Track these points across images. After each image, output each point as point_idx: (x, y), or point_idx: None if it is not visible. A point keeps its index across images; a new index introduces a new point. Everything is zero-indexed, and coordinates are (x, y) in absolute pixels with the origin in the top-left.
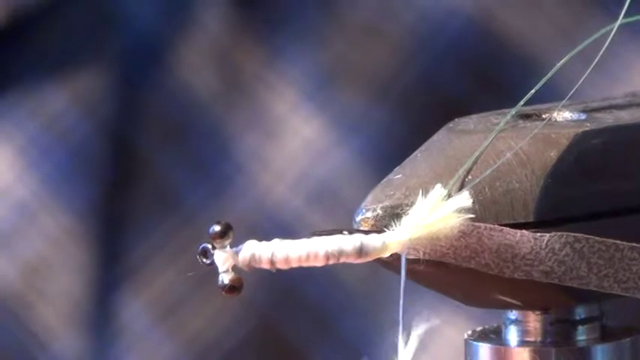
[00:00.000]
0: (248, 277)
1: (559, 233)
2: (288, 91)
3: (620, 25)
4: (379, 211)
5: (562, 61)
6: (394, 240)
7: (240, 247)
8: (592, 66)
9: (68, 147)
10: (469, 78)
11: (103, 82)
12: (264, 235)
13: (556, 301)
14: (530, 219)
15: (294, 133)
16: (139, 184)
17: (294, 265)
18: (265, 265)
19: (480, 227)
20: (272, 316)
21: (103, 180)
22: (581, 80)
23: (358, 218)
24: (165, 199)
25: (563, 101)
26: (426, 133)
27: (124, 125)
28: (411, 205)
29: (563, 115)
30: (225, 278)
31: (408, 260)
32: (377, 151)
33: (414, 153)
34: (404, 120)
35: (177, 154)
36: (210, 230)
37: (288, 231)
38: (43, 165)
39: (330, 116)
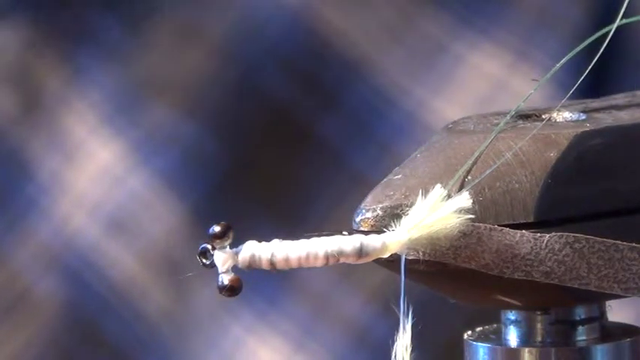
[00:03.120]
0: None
1: (559, 233)
2: (89, 112)
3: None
4: (379, 212)
5: (561, 62)
6: (394, 240)
7: (240, 247)
8: (591, 66)
9: None
10: (292, 81)
11: None
12: (65, 266)
13: (556, 301)
14: (530, 219)
15: (92, 157)
16: None
17: (294, 265)
18: (265, 266)
19: (479, 227)
20: (72, 352)
21: None
22: (580, 80)
23: (358, 219)
24: None
25: (563, 101)
26: (235, 149)
27: None
28: (411, 206)
29: (562, 116)
30: (225, 279)
31: (408, 260)
32: (182, 172)
33: (414, 153)
34: (215, 134)
35: None
36: (210, 231)
37: (85, 262)
38: None
39: (132, 138)
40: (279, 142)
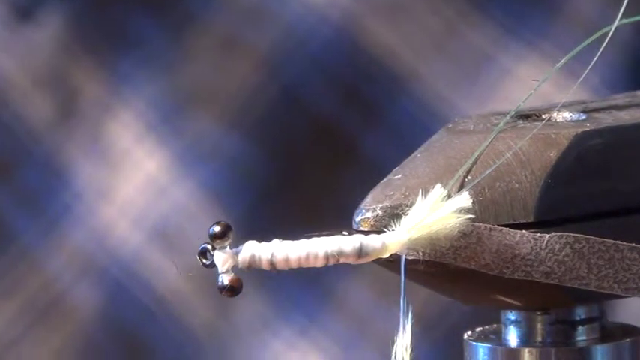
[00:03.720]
0: None
1: (559, 233)
2: (133, 121)
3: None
4: (379, 212)
5: (561, 62)
6: (394, 240)
7: (239, 247)
8: (590, 66)
9: None
10: (336, 95)
11: None
12: (104, 273)
13: (556, 302)
14: (530, 219)
15: (137, 167)
16: None
17: (294, 265)
18: (265, 266)
19: (479, 228)
20: (108, 357)
21: None
22: (579, 80)
23: (358, 219)
24: None
25: (563, 101)
26: (279, 161)
27: None
28: (411, 206)
29: (562, 116)
30: (225, 279)
31: (407, 260)
32: (226, 182)
33: (414, 153)
34: (258, 146)
35: (9, 186)
36: (210, 231)
37: (126, 270)
38: None
39: (177, 148)
40: (321, 156)
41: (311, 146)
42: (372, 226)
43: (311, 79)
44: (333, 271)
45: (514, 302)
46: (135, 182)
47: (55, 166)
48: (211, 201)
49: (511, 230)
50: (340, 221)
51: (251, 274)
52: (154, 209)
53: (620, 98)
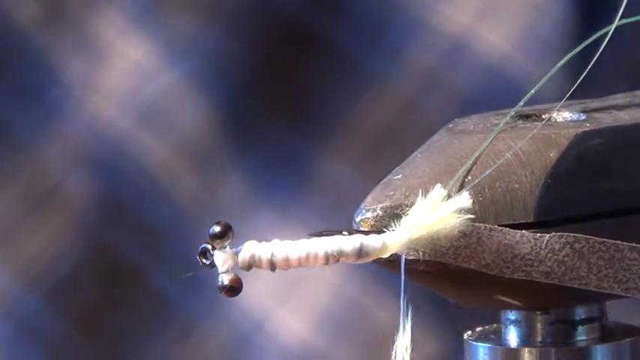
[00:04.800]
0: (81, 202)
1: (559, 233)
2: (116, 15)
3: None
4: (379, 212)
5: (561, 62)
6: (394, 240)
7: (239, 247)
8: (590, 66)
9: None
10: None
11: None
12: (97, 158)
13: (556, 301)
14: (530, 219)
15: (122, 57)
16: None
17: (294, 265)
18: (265, 266)
19: (479, 227)
20: (105, 237)
21: None
22: (579, 80)
23: (358, 219)
24: None
25: (562, 101)
26: (259, 51)
27: None
28: (411, 206)
29: (562, 116)
30: (225, 279)
31: (407, 260)
32: (209, 72)
33: (414, 153)
34: (235, 39)
35: (3, 83)
36: (210, 231)
37: (118, 151)
38: None
39: (160, 40)
40: (292, 48)
41: (282, 40)
42: (372, 226)
43: None
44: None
45: (514, 302)
46: (120, 70)
47: (45, 63)
48: (196, 87)
49: (511, 230)
50: (311, 108)
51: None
52: (140, 94)
53: (620, 98)
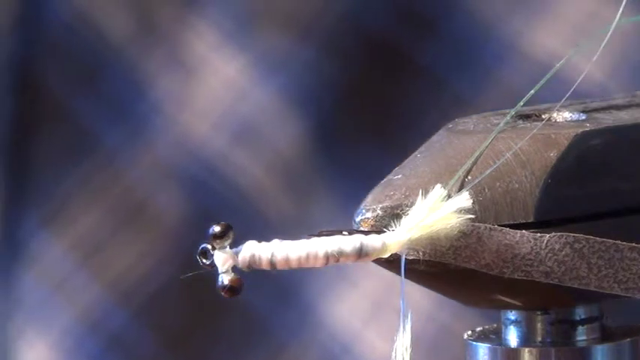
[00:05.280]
0: (173, 217)
1: (559, 233)
2: (208, 30)
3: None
4: (379, 212)
5: (561, 62)
6: (394, 240)
7: (239, 247)
8: (589, 66)
9: None
10: (394, 14)
11: (4, 22)
12: (187, 175)
13: (556, 301)
14: (530, 219)
15: (215, 73)
16: (54, 126)
17: (294, 265)
18: (265, 266)
19: (479, 227)
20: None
21: (8, 122)
22: (579, 80)
23: (358, 219)
24: (82, 141)
25: (562, 101)
26: (351, 70)
27: (32, 67)
28: (411, 206)
29: (562, 116)
30: (225, 279)
31: (407, 260)
32: (301, 90)
33: (414, 153)
34: (328, 58)
35: (92, 96)
36: (210, 231)
37: (209, 168)
38: None
39: (252, 56)
40: (384, 67)
41: (373, 59)
42: (372, 226)
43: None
44: None
45: (514, 302)
46: (212, 86)
47: (135, 77)
48: (287, 105)
49: (511, 230)
50: (402, 130)
51: None
52: (231, 111)
53: (620, 98)
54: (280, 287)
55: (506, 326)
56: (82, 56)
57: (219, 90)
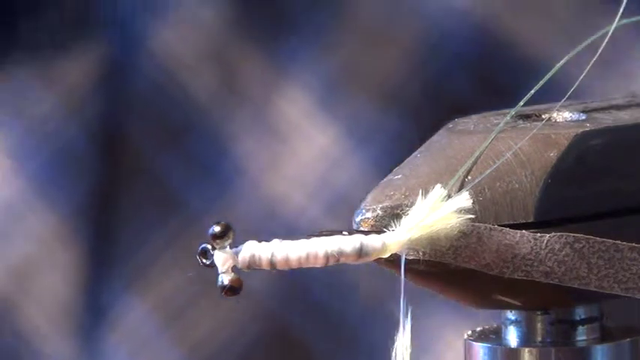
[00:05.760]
0: (254, 278)
1: (559, 233)
2: (300, 97)
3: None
4: (379, 212)
5: (561, 62)
6: (394, 240)
7: (239, 247)
8: (589, 66)
9: (55, 146)
10: (477, 84)
11: (93, 81)
12: (271, 239)
13: (556, 301)
14: (530, 219)
15: (307, 140)
16: (138, 186)
17: (294, 266)
18: (265, 266)
19: (479, 227)
20: (281, 317)
21: (94, 181)
22: (579, 80)
23: (358, 219)
24: (167, 201)
25: (562, 101)
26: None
27: (118, 126)
28: (411, 206)
29: (562, 116)
30: (225, 279)
31: (407, 260)
32: (390, 160)
33: (414, 153)
34: (415, 127)
35: (178, 155)
36: (210, 231)
37: (293, 233)
38: (30, 165)
39: (343, 124)
40: None
41: None
42: (372, 226)
43: (452, 69)
44: None
45: (514, 302)
46: (306, 155)
47: (221, 138)
48: (377, 174)
49: (511, 230)
50: None
51: None
52: (328, 181)
53: (620, 98)
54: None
55: (506, 326)
56: (167, 115)
57: (312, 158)
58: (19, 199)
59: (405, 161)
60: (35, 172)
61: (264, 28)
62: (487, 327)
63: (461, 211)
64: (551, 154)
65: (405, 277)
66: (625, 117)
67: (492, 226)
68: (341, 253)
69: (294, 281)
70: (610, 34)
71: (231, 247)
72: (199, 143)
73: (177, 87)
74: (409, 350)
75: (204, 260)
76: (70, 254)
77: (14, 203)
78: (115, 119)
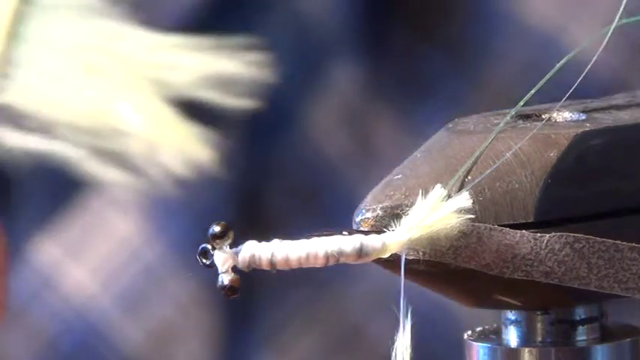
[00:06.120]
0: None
1: (559, 233)
2: None
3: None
4: (379, 212)
5: (561, 62)
6: (394, 240)
7: (239, 247)
8: (589, 66)
9: (197, 210)
10: None
11: (230, 146)
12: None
13: (556, 301)
14: (530, 219)
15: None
16: None
17: (294, 265)
18: (265, 266)
19: (479, 227)
20: None
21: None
22: (579, 80)
23: (358, 219)
24: None
25: (562, 101)
26: None
27: (254, 188)
28: (411, 206)
29: (562, 116)
30: (225, 279)
31: (407, 260)
32: None
33: (414, 153)
34: None
35: (312, 218)
36: (210, 231)
37: (436, 306)
38: (171, 229)
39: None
40: None
41: None
42: (372, 226)
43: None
44: None
45: (514, 302)
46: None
47: (355, 200)
48: None
49: (511, 230)
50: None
51: None
52: None
53: (620, 98)
54: None
55: (506, 326)
56: (302, 177)
57: None
58: (159, 262)
59: (405, 161)
60: (176, 236)
61: (399, 91)
62: (487, 327)
63: (461, 211)
64: (551, 154)
65: (405, 277)
66: (625, 117)
67: (492, 226)
68: (341, 253)
69: (431, 353)
70: (610, 34)
71: (230, 247)
72: (334, 205)
73: (312, 149)
74: (409, 350)
75: (204, 260)
76: (208, 318)
77: (155, 267)
78: (253, 183)
